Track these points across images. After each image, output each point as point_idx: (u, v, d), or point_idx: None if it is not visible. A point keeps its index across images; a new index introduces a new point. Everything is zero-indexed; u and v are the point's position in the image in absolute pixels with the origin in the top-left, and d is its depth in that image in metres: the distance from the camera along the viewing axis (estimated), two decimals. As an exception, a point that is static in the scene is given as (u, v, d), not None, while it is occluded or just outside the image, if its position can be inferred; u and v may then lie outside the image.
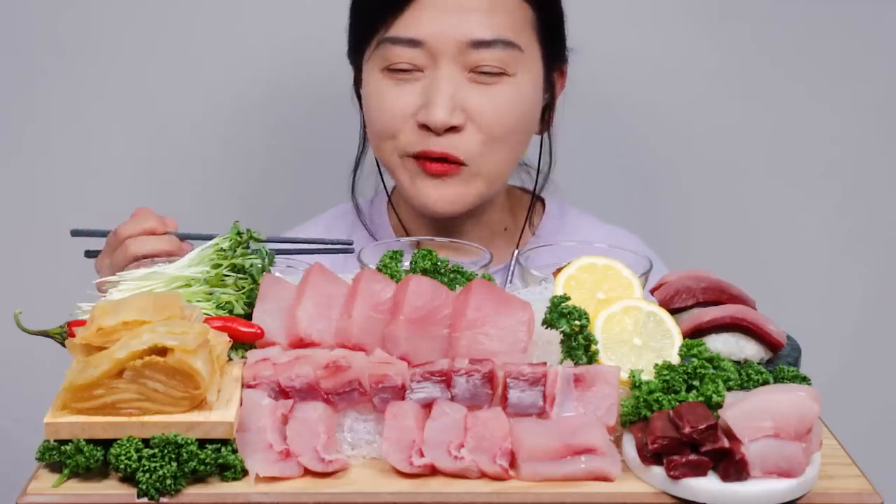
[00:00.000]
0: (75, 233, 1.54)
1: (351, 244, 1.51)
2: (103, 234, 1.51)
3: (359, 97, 1.69)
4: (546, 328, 1.19)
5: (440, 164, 1.57)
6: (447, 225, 1.66)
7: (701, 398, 1.11)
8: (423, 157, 1.58)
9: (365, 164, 1.75)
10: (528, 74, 1.59)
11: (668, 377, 1.13)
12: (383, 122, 1.59)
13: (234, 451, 1.07)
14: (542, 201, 1.78)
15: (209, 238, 1.38)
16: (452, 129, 1.56)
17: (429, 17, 1.54)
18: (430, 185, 1.59)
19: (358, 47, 1.64)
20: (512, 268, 1.48)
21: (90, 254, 1.54)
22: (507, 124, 1.58)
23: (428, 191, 1.59)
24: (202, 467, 1.06)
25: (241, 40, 2.01)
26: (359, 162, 1.75)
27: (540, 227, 1.75)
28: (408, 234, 1.72)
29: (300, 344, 1.20)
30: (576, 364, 1.17)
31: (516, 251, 1.49)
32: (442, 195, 1.59)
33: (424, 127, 1.56)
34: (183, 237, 1.50)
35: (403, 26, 1.55)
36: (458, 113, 1.55)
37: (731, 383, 1.15)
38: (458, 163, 1.57)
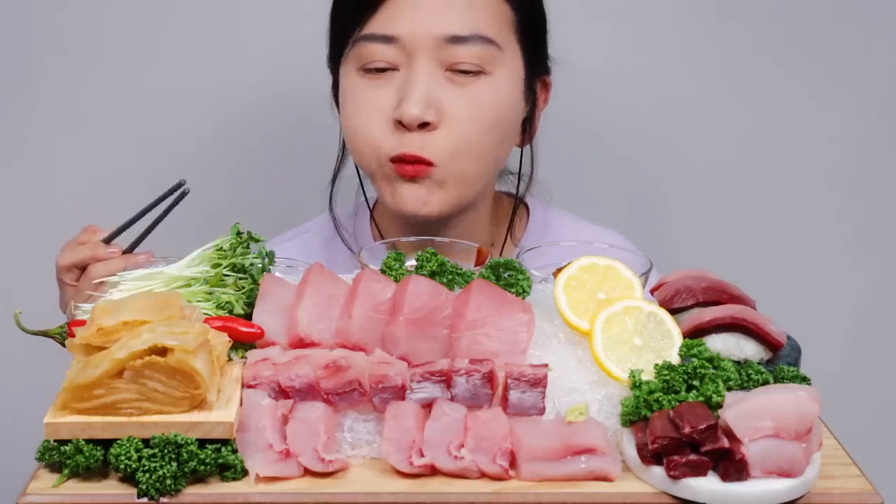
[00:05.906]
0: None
1: (183, 184, 1.46)
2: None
3: (337, 105, 1.65)
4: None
5: (413, 166, 1.53)
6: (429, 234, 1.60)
7: (701, 398, 1.11)
8: (398, 161, 1.54)
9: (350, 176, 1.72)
10: (507, 74, 1.55)
11: (668, 377, 1.13)
12: (359, 124, 1.56)
13: (234, 451, 1.07)
14: (527, 206, 1.74)
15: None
16: (426, 126, 1.52)
17: (404, 14, 1.51)
18: (406, 188, 1.55)
19: (336, 50, 1.61)
20: None
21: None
22: (482, 125, 1.53)
23: (403, 193, 1.55)
24: (202, 467, 1.06)
25: (241, 41, 2.01)
26: (337, 172, 1.71)
27: (524, 237, 1.71)
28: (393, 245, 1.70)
29: (300, 344, 1.20)
30: None
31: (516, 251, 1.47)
32: (416, 195, 1.55)
33: (400, 125, 1.52)
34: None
35: (378, 23, 1.52)
36: (432, 110, 1.51)
37: (731, 383, 1.15)
38: (429, 164, 1.53)
